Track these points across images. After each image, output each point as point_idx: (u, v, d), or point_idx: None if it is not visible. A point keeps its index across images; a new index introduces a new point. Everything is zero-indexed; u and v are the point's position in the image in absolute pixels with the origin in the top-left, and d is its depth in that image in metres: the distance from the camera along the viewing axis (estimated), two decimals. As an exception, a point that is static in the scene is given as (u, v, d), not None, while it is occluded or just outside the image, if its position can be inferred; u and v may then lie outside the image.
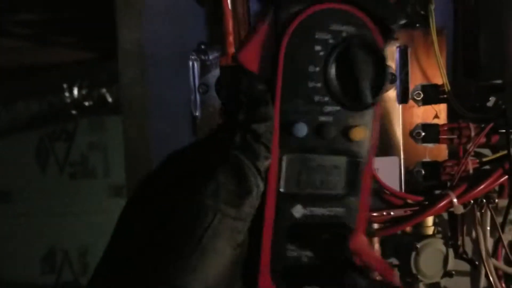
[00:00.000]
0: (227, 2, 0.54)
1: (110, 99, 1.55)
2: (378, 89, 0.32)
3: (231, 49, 0.55)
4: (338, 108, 0.33)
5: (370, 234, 0.57)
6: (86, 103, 1.57)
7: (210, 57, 0.57)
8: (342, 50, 0.32)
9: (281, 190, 0.33)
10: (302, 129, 0.32)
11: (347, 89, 0.32)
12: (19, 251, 1.69)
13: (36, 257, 1.69)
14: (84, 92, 1.56)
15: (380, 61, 0.32)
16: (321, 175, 0.33)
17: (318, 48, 0.32)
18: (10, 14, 1.38)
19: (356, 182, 0.34)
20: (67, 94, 1.56)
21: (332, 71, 0.32)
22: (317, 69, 0.32)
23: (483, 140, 0.59)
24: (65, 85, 1.55)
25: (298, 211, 0.33)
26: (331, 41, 0.32)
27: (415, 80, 0.59)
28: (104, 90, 1.55)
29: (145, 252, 0.30)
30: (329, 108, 0.33)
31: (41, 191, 1.68)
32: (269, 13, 0.32)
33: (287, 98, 0.32)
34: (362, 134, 0.33)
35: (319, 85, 0.32)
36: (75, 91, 1.56)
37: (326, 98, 0.32)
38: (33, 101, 1.59)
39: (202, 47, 0.57)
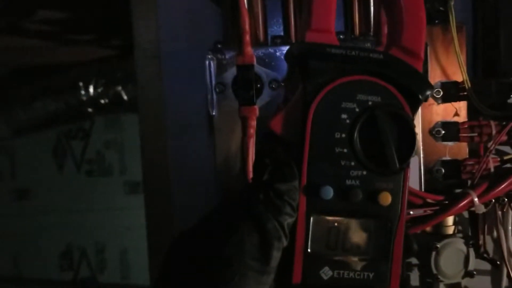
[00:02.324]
0: (244, 1, 0.54)
1: (125, 97, 1.56)
2: (406, 155, 0.33)
3: (248, 48, 0.54)
4: (364, 172, 0.33)
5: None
6: (102, 101, 1.58)
7: (227, 56, 0.56)
8: (367, 118, 0.33)
9: (309, 250, 0.34)
10: (328, 192, 0.33)
11: (373, 155, 0.33)
12: (38, 248, 1.71)
13: (54, 254, 1.71)
14: (100, 90, 1.56)
15: (407, 127, 0.34)
16: (350, 238, 0.34)
17: (344, 116, 0.34)
18: (26, 13, 1.39)
19: (387, 247, 0.34)
20: (83, 92, 1.57)
21: (358, 137, 0.33)
22: (343, 135, 0.33)
23: (504, 138, 0.58)
24: (81, 84, 1.56)
25: (326, 273, 0.34)
26: (357, 109, 0.33)
27: (435, 77, 0.58)
28: (119, 88, 1.55)
29: None
30: (355, 173, 0.33)
31: (59, 189, 1.70)
32: (299, 85, 0.34)
33: (313, 162, 0.33)
34: (390, 198, 0.33)
35: (345, 150, 0.33)
36: (91, 89, 1.57)
37: (353, 163, 0.33)
38: (50, 100, 1.60)
39: (219, 46, 0.57)
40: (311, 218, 0.33)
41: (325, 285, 0.34)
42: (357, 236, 0.34)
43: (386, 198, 0.34)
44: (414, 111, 0.35)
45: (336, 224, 0.34)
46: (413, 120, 0.34)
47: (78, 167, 1.70)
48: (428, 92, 0.35)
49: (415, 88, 0.34)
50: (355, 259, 0.34)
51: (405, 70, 0.35)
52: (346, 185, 0.33)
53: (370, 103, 0.33)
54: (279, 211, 0.32)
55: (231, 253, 0.31)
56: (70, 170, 1.70)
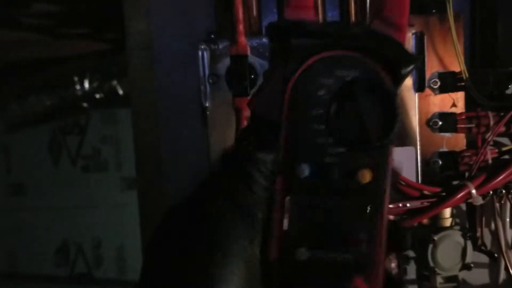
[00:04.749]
0: (237, -10, 0.53)
1: (121, 92, 1.55)
2: (387, 131, 0.32)
3: (241, 38, 0.54)
4: (342, 150, 0.32)
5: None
6: (98, 96, 1.57)
7: (220, 47, 0.56)
8: (345, 93, 0.32)
9: (285, 230, 0.33)
10: (304, 170, 0.32)
11: (352, 131, 0.32)
12: (33, 244, 1.70)
13: (50, 249, 1.71)
14: (95, 84, 1.56)
15: (388, 101, 0.32)
16: (329, 218, 0.33)
17: (321, 92, 0.33)
18: (20, 6, 1.38)
19: (369, 227, 0.33)
20: (78, 87, 1.56)
21: (336, 114, 0.32)
22: (320, 112, 0.33)
23: (502, 129, 0.58)
24: (76, 78, 1.55)
25: (303, 253, 0.33)
26: (334, 85, 0.33)
27: (432, 67, 0.58)
28: (115, 83, 1.55)
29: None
30: (333, 150, 0.33)
31: (54, 184, 1.69)
32: (279, 63, 0.34)
33: (291, 140, 0.33)
34: (370, 176, 0.32)
35: (322, 127, 0.33)
36: (86, 84, 1.56)
37: (330, 140, 0.33)
38: (45, 94, 1.59)
39: (212, 36, 0.56)
40: (288, 197, 0.33)
41: (302, 265, 0.33)
42: (336, 216, 0.33)
43: (366, 176, 0.32)
44: (397, 84, 0.33)
45: (314, 203, 0.33)
46: (395, 94, 0.32)
47: (74, 162, 1.69)
48: (412, 65, 0.33)
49: (397, 61, 0.33)
50: (334, 240, 0.33)
51: (387, 43, 0.33)
52: (324, 163, 0.32)
53: (348, 78, 0.33)
54: (253, 180, 0.32)
55: (207, 226, 0.31)
56: (65, 166, 1.69)
